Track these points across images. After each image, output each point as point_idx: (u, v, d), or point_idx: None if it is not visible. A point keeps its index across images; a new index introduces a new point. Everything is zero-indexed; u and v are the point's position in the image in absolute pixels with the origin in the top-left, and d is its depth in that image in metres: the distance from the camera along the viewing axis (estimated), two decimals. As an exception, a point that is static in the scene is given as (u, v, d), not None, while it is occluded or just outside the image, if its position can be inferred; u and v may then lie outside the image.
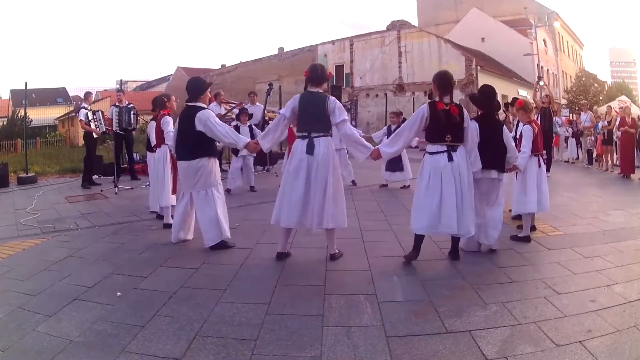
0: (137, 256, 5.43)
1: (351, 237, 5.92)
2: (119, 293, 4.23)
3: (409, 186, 9.90)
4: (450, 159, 4.81)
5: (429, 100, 5.07)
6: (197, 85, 5.75)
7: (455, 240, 5.14)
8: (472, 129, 5.03)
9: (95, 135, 11.00)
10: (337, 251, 5.16)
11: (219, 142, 5.83)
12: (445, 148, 4.85)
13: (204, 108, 5.55)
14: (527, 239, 5.80)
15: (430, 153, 4.93)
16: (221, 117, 10.17)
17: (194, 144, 5.48)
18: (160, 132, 6.81)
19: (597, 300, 3.95)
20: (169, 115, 6.91)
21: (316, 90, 5.06)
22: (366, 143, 5.08)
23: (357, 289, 4.26)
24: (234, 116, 10.41)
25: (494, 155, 5.25)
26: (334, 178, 4.98)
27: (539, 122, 12.92)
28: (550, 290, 4.18)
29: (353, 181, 10.49)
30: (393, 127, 9.83)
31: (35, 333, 3.52)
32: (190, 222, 5.99)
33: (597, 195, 9.55)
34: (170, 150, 6.41)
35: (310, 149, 4.85)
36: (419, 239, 5.00)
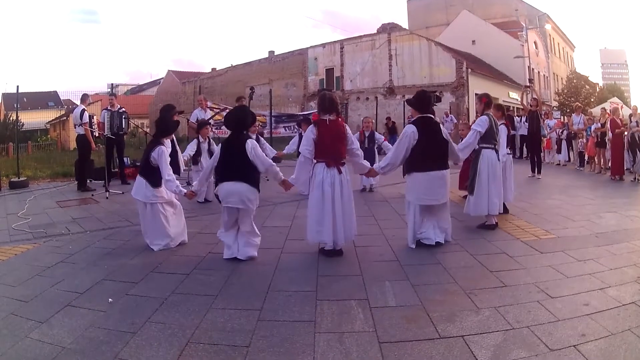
0: (129, 262, 5.40)
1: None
2: (110, 299, 4.21)
3: None
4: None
5: (504, 122, 7.45)
6: (425, 97, 5.81)
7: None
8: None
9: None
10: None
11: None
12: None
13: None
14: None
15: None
16: (205, 121, 10.14)
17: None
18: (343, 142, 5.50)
19: (590, 303, 3.95)
20: None
21: (490, 112, 6.79)
22: None
23: (349, 295, 4.25)
24: (222, 119, 10.22)
25: None
26: None
27: (526, 125, 13.08)
28: (544, 294, 4.18)
29: None
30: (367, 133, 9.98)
31: (28, 340, 3.50)
32: None
33: (590, 197, 9.53)
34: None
35: (498, 158, 6.70)
36: None
